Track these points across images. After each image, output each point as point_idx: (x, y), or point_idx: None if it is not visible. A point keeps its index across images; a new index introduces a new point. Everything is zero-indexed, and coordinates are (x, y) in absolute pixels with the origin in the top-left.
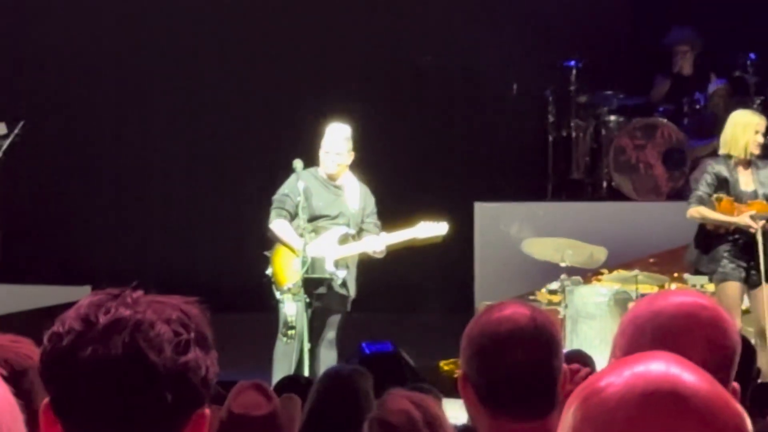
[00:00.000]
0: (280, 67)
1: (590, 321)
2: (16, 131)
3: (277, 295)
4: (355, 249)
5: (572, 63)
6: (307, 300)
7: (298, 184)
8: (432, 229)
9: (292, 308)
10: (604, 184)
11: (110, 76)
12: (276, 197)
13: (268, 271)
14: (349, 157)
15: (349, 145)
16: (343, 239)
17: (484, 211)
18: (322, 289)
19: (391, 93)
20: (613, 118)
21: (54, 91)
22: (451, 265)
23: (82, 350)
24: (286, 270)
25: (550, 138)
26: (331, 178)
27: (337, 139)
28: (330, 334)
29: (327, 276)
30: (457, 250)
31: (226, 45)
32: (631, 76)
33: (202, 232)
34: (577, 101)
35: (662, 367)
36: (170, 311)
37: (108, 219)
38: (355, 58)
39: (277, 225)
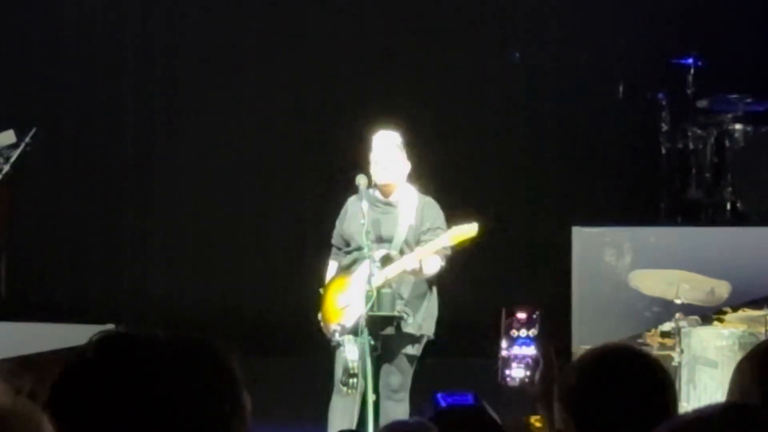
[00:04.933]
0: (336, 73)
1: (711, 369)
2: (26, 140)
3: (336, 336)
4: (392, 270)
5: (689, 61)
6: (372, 342)
7: (355, 207)
8: (461, 231)
9: (354, 352)
10: (728, 205)
11: (138, 81)
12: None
13: (320, 315)
14: (405, 167)
15: (402, 153)
16: (387, 261)
17: (583, 238)
18: (389, 330)
19: (469, 96)
20: (738, 126)
21: (71, 94)
22: (543, 300)
23: None
24: (332, 307)
25: (663, 150)
26: (384, 193)
27: (386, 148)
28: (397, 382)
29: (396, 314)
30: (552, 284)
31: (270, 54)
32: (760, 76)
33: (248, 264)
34: (695, 106)
35: None
36: None
37: (134, 246)
38: (428, 56)
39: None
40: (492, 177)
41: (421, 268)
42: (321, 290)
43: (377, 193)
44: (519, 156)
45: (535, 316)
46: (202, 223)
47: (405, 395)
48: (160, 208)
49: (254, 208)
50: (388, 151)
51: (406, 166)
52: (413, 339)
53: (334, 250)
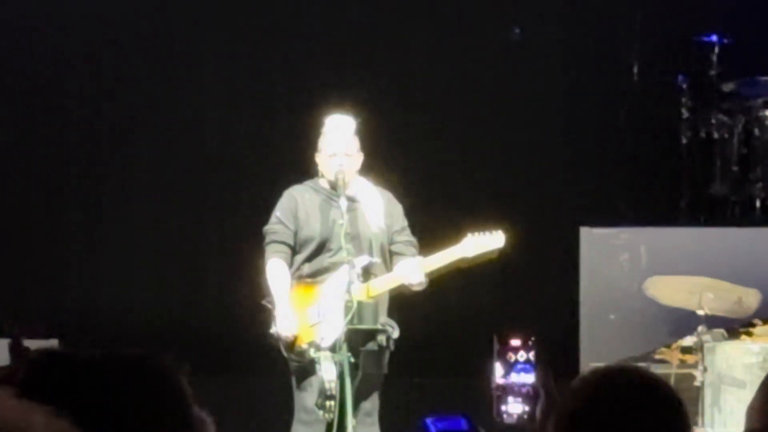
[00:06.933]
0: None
1: (738, 390)
2: None
3: (311, 353)
4: (386, 283)
5: (713, 38)
6: (351, 360)
7: (309, 200)
8: (484, 242)
9: (331, 371)
10: (758, 202)
11: (85, 83)
12: (267, 227)
13: (273, 330)
14: (360, 158)
15: (358, 142)
16: (367, 272)
17: (592, 239)
18: (372, 345)
19: (463, 80)
20: None
21: (13, 95)
22: (547, 311)
23: None
24: (300, 323)
25: (684, 140)
26: (338, 188)
27: (345, 136)
28: (368, 404)
29: (379, 327)
30: (557, 292)
31: (223, 50)
32: None
33: (202, 277)
34: (720, 90)
35: None
36: None
37: (81, 256)
38: (415, 35)
39: (270, 268)
40: (489, 172)
41: (420, 282)
42: (269, 302)
43: (326, 185)
44: (520, 149)
45: (530, 342)
46: (153, 232)
47: (377, 418)
48: (108, 216)
49: (209, 218)
50: (346, 140)
51: (361, 156)
52: (382, 356)
53: (279, 247)
